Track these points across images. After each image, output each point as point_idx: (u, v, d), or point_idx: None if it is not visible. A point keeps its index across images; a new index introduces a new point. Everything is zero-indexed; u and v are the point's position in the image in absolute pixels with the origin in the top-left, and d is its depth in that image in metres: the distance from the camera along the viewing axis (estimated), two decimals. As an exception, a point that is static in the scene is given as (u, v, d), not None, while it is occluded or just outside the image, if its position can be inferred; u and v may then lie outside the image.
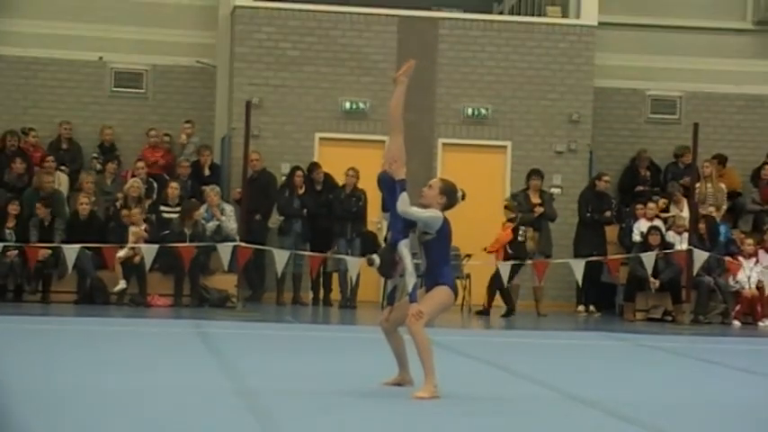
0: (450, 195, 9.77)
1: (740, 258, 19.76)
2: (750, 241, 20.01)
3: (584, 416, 9.17)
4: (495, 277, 19.27)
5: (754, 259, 19.79)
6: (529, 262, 19.50)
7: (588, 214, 20.35)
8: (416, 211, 9.61)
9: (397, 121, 10.05)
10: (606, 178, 20.67)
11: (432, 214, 9.60)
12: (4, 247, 18.44)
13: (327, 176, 20.09)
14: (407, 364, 10.01)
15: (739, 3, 22.89)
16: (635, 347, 15.18)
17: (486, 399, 9.74)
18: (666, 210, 20.91)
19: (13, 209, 18.96)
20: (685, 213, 20.26)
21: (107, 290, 18.77)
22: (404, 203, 9.61)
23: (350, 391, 9.71)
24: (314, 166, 20.25)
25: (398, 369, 10.04)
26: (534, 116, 21.36)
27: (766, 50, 22.81)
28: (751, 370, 12.69)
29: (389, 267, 9.78)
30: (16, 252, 18.49)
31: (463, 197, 9.84)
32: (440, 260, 9.66)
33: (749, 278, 19.66)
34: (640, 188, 21.60)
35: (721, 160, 21.98)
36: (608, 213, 20.48)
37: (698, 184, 20.47)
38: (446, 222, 9.67)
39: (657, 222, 20.21)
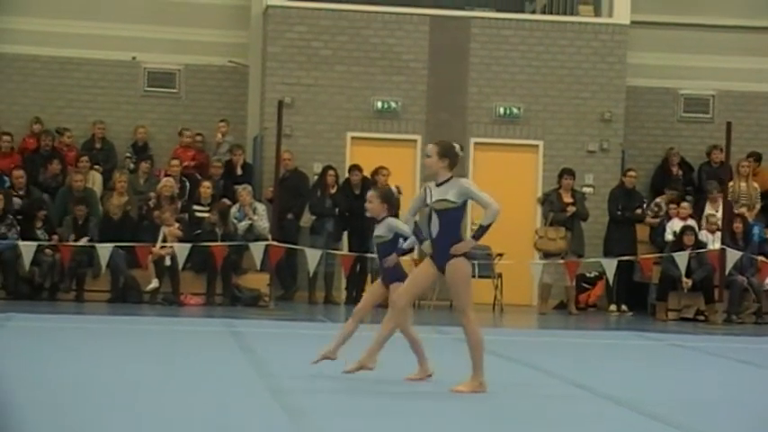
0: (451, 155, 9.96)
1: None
2: None
3: (617, 415, 9.16)
4: None
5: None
6: (560, 261, 19.49)
7: (618, 212, 20.30)
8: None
9: None
10: (632, 173, 20.59)
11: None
12: (39, 245, 18.55)
13: (365, 179, 19.96)
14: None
15: (773, 1, 22.78)
16: (667, 347, 15.15)
17: (518, 398, 9.74)
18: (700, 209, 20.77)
19: (41, 215, 18.97)
20: (718, 213, 20.16)
21: (140, 289, 18.86)
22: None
23: (380, 391, 9.74)
24: (353, 168, 20.17)
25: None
26: (566, 115, 21.31)
27: (799, 49, 22.68)
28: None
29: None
30: (52, 252, 18.59)
31: (461, 148, 10.18)
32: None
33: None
34: (671, 190, 21.17)
35: (757, 158, 21.86)
36: (638, 211, 20.42)
37: (731, 183, 20.39)
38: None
39: (691, 222, 20.11)
